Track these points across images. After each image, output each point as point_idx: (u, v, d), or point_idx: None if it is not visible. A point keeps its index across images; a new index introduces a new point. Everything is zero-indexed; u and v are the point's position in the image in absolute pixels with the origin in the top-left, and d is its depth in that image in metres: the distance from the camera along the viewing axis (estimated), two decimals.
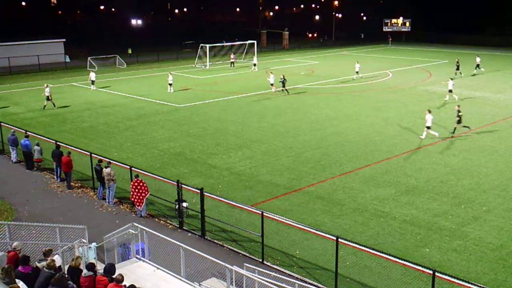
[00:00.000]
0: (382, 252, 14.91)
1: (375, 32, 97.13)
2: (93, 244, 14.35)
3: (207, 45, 61.11)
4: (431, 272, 12.34)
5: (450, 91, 38.68)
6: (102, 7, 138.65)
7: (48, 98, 37.61)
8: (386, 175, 22.90)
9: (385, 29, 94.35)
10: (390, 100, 39.53)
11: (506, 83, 47.23)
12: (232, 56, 62.48)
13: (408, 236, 17.27)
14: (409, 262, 14.14)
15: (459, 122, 29.14)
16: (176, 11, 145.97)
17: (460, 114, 29.08)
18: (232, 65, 60.74)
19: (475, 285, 13.05)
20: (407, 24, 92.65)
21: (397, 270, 14.94)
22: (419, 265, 14.06)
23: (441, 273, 12.96)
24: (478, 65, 52.73)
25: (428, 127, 28.40)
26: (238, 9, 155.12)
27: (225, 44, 68.84)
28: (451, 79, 39.76)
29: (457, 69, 50.75)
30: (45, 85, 38.64)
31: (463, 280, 13.38)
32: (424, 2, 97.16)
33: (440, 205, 19.67)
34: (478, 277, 14.65)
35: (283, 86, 41.45)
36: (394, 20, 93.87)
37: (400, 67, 59.61)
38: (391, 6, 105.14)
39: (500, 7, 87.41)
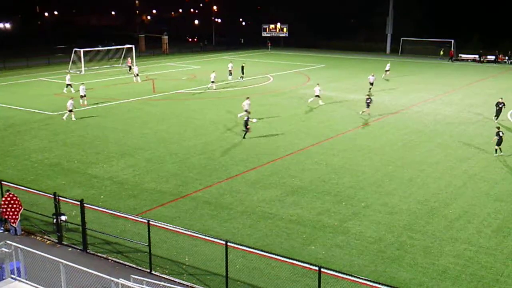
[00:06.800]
0: (271, 253, 15.19)
1: (255, 37, 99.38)
2: None
3: (81, 50, 58.32)
4: (317, 268, 12.70)
5: (318, 96, 39.60)
6: None
7: None
8: (272, 177, 23.33)
9: (264, 34, 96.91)
10: (272, 104, 40.47)
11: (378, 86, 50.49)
12: (129, 60, 59.97)
13: (294, 235, 17.66)
14: (297, 260, 14.56)
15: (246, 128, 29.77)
16: (46, 14, 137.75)
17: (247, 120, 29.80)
18: (130, 69, 57.78)
19: (357, 277, 13.72)
20: (285, 29, 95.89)
21: (286, 269, 15.20)
22: (306, 263, 14.48)
23: (326, 268, 13.47)
24: (230, 72, 52.93)
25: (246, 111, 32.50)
26: (113, 13, 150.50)
27: (100, 48, 66.21)
28: (318, 84, 41.20)
29: (241, 71, 53.33)
30: None
31: (346, 274, 14.01)
32: (301, 9, 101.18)
33: (323, 203, 20.42)
34: (360, 270, 15.35)
35: None
36: (272, 26, 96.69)
37: (280, 71, 61.44)
38: (269, 12, 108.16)
39: (368, 14, 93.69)
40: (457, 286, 14.56)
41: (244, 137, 29.79)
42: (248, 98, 34.28)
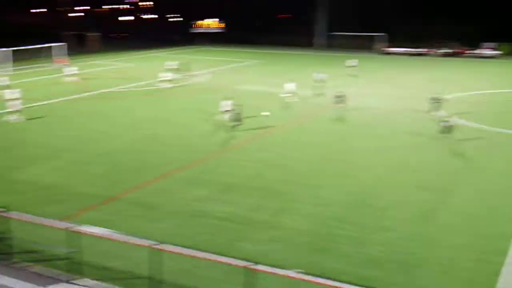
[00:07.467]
0: (202, 251, 14.90)
1: (188, 33, 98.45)
2: None
3: (4, 49, 55.55)
4: (249, 264, 12.71)
5: (291, 93, 38.78)
6: None
7: None
8: (204, 175, 23.12)
9: (200, 30, 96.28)
10: (208, 100, 39.98)
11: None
12: (63, 59, 58.00)
13: (227, 232, 17.56)
14: (229, 258, 14.40)
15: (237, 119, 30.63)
16: None
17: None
18: (64, 68, 55.38)
19: (290, 271, 13.77)
20: (220, 25, 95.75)
21: (217, 267, 15.00)
22: (238, 259, 14.32)
23: (258, 264, 13.39)
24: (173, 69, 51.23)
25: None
26: (37, 10, 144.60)
27: (25, 47, 63.31)
28: (290, 81, 40.43)
29: (183, 69, 53.02)
30: None
31: (279, 268, 14.02)
32: (236, 4, 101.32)
33: (255, 199, 20.43)
34: (293, 263, 15.36)
35: None
36: (206, 22, 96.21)
37: (217, 67, 61.12)
38: (201, 7, 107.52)
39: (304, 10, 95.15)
40: (384, 272, 14.95)
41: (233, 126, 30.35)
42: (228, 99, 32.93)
